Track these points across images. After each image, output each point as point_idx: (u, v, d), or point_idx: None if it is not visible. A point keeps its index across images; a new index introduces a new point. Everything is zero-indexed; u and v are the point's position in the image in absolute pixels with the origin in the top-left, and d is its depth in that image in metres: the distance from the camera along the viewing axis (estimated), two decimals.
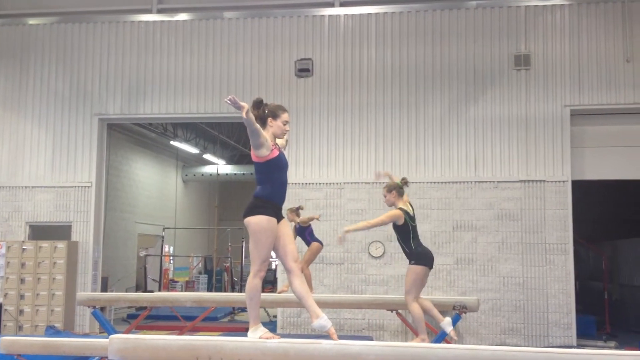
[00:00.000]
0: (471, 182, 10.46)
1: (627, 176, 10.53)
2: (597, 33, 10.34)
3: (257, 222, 4.62)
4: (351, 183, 10.78)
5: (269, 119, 4.82)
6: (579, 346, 9.42)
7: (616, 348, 9.47)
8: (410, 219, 6.86)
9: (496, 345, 9.25)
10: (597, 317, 11.66)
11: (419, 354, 4.33)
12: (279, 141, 4.90)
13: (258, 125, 4.57)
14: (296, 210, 9.17)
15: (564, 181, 10.14)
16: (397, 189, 7.04)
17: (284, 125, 4.84)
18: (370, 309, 9.74)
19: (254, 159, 4.74)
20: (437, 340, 6.96)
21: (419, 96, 10.76)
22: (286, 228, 4.86)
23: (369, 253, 10.57)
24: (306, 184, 10.87)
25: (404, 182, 7.14)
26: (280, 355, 4.24)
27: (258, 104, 4.78)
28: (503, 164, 10.43)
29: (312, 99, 11.02)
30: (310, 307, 4.65)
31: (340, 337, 4.77)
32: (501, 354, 4.33)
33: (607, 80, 10.19)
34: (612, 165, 10.37)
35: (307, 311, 4.73)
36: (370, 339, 9.29)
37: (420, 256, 6.83)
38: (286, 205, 6.59)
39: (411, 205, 7.00)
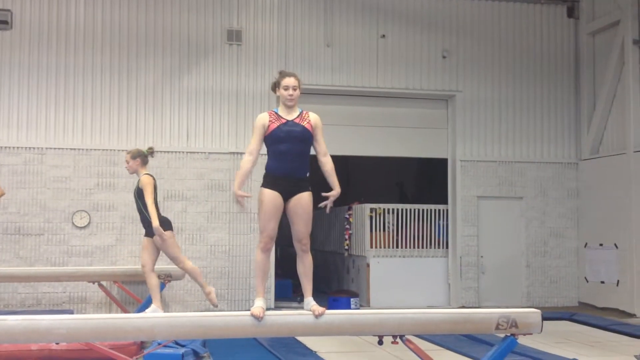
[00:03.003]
0: (183, 152, 10.53)
1: None
2: (302, 17, 11.06)
3: (259, 194, 4.65)
4: (54, 149, 10.10)
5: (277, 91, 4.73)
6: (275, 308, 10.16)
7: None
8: (155, 187, 6.86)
9: (200, 311, 9.53)
10: (293, 280, 12.66)
11: (114, 325, 4.28)
12: (312, 116, 4.76)
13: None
14: None
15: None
16: (143, 157, 6.99)
17: (285, 90, 4.68)
18: (71, 281, 9.28)
19: None
20: (140, 311, 6.93)
21: (131, 62, 10.45)
22: (297, 205, 4.62)
23: (73, 223, 10.03)
24: (1, 147, 9.91)
25: (150, 151, 7.17)
26: None
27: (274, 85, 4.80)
28: (214, 136, 10.68)
29: (11, 54, 10.05)
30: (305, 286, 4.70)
31: (37, 312, 4.49)
32: (197, 320, 4.50)
33: (309, 62, 10.98)
34: None
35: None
36: (70, 312, 8.87)
37: (165, 222, 6.86)
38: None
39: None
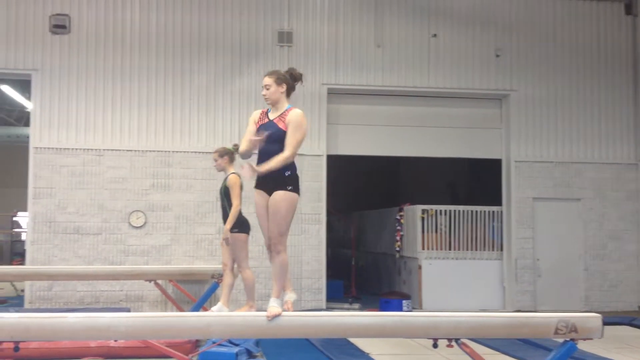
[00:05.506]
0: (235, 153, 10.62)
1: (375, 152, 11.50)
2: (352, 18, 11.04)
3: None
4: (111, 150, 10.33)
5: None
6: (327, 309, 10.15)
7: (359, 309, 10.38)
8: (242, 186, 6.84)
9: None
10: (345, 281, 12.67)
11: (171, 323, 4.34)
12: (290, 113, 4.70)
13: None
14: None
15: (319, 155, 10.76)
16: (230, 154, 6.95)
17: (262, 90, 4.76)
18: (128, 280, 9.49)
19: None
20: (194, 309, 7.02)
21: (185, 64, 10.62)
22: (270, 204, 4.59)
23: (129, 223, 10.25)
24: (61, 149, 10.19)
25: (236, 147, 7.07)
26: (20, 332, 3.96)
27: None
28: None
29: (69, 58, 10.31)
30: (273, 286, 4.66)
31: (96, 310, 4.60)
32: (251, 320, 4.53)
33: (359, 62, 10.95)
34: (362, 141, 11.21)
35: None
36: (127, 310, 9.07)
37: (243, 224, 6.83)
38: None
39: None
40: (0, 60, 10.21)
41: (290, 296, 4.79)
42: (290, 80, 4.83)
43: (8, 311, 8.48)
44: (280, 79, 4.76)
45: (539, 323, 4.74)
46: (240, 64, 10.73)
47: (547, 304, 10.86)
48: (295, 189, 4.66)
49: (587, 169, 11.38)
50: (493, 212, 11.42)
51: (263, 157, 4.66)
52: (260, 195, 4.68)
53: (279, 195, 4.60)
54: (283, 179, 4.61)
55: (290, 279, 4.81)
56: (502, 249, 11.28)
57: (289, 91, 4.84)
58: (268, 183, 4.64)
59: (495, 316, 4.87)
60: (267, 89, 4.77)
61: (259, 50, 10.77)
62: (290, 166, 4.65)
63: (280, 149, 4.61)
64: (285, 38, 10.80)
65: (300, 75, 4.89)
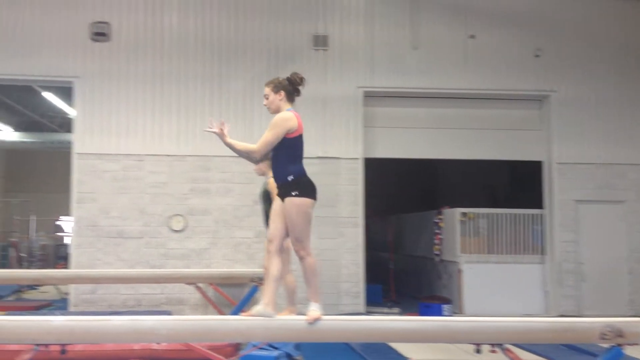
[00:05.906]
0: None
1: (412, 155, 11.44)
2: (388, 20, 10.99)
3: None
4: (152, 155, 10.49)
5: None
6: (367, 313, 10.11)
7: (399, 314, 10.31)
8: None
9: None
10: (383, 285, 12.60)
11: (212, 327, 4.39)
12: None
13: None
14: None
15: (356, 158, 10.73)
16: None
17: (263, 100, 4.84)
18: (169, 283, 9.62)
19: None
20: (234, 313, 7.07)
21: (222, 69, 10.72)
22: (284, 210, 4.68)
23: (170, 227, 10.38)
24: (102, 155, 10.38)
25: None
26: (65, 334, 4.05)
27: None
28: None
29: (110, 64, 10.50)
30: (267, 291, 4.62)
31: (137, 313, 4.66)
32: (291, 324, 4.54)
33: (395, 65, 10.89)
34: (399, 144, 11.16)
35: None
36: (168, 313, 9.17)
37: None
38: None
39: None
40: (44, 69, 10.46)
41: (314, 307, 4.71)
42: (289, 85, 4.84)
43: (53, 314, 8.68)
44: (276, 87, 4.81)
45: (584, 328, 4.66)
46: (277, 68, 10.74)
47: (591, 308, 10.62)
48: (303, 193, 4.66)
49: (630, 170, 11.12)
50: (534, 215, 11.23)
51: (272, 164, 4.82)
52: (277, 199, 4.79)
53: (286, 202, 4.69)
54: (287, 185, 4.68)
55: (318, 289, 4.77)
56: (544, 253, 11.09)
57: (290, 96, 4.86)
58: (278, 190, 4.75)
59: (540, 321, 4.79)
60: (266, 99, 4.85)
61: (295, 55, 10.80)
62: (294, 171, 4.69)
63: (276, 153, 4.74)
64: (320, 42, 10.82)
65: (301, 79, 4.85)
